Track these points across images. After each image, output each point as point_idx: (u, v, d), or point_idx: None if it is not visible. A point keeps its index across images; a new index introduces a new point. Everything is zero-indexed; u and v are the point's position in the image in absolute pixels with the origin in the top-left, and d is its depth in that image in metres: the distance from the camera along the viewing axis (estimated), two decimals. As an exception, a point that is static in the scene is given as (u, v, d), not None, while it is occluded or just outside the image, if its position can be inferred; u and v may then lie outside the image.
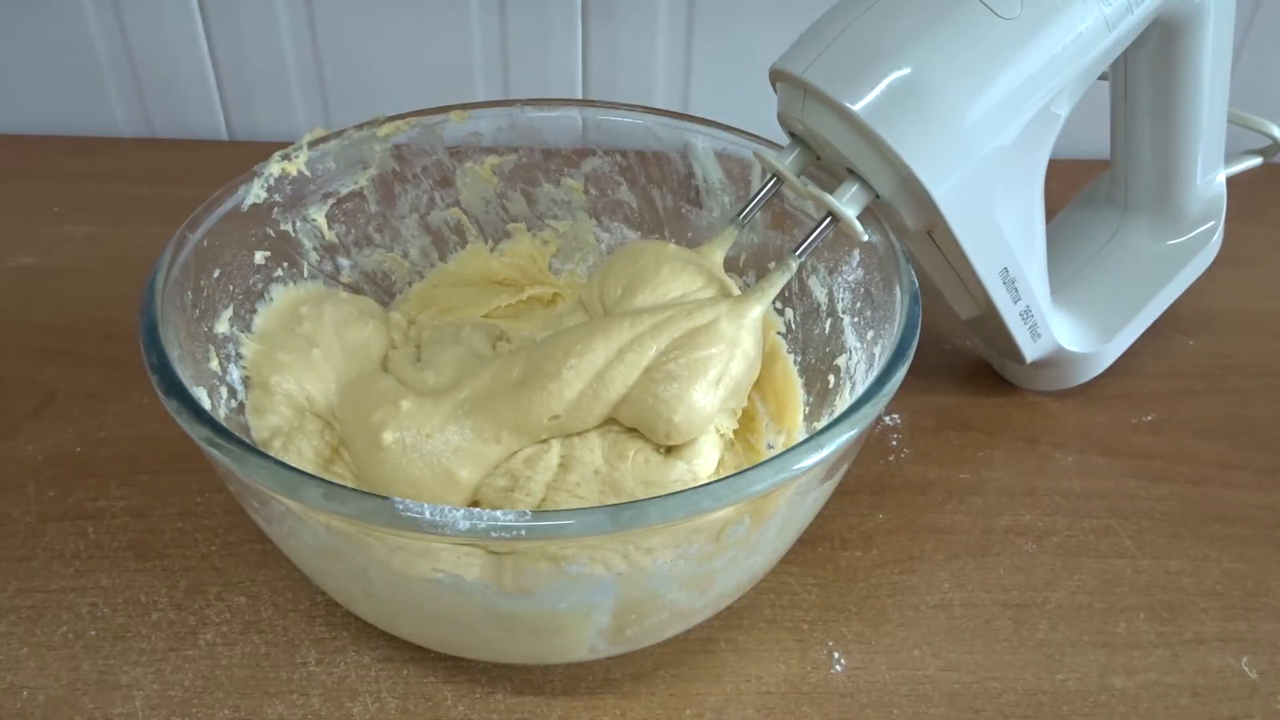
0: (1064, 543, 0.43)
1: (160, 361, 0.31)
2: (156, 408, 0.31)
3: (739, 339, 0.37)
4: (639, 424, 0.38)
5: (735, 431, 0.41)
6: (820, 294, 0.43)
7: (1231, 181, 0.50)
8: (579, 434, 0.38)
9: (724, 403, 0.38)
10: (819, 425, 0.41)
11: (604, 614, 0.32)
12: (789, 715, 0.36)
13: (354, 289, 0.45)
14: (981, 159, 0.36)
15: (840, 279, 0.42)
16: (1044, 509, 0.45)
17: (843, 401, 0.40)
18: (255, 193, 0.40)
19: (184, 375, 0.32)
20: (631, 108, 0.46)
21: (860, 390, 0.33)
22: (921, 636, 0.39)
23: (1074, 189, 0.55)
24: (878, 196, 0.37)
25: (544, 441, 0.38)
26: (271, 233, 0.42)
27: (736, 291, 0.40)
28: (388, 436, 0.36)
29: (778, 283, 0.38)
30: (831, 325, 0.42)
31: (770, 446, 0.42)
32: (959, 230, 0.37)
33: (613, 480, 0.37)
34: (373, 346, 0.41)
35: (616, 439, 0.38)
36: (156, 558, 0.41)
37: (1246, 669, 0.39)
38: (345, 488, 0.27)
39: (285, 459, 0.36)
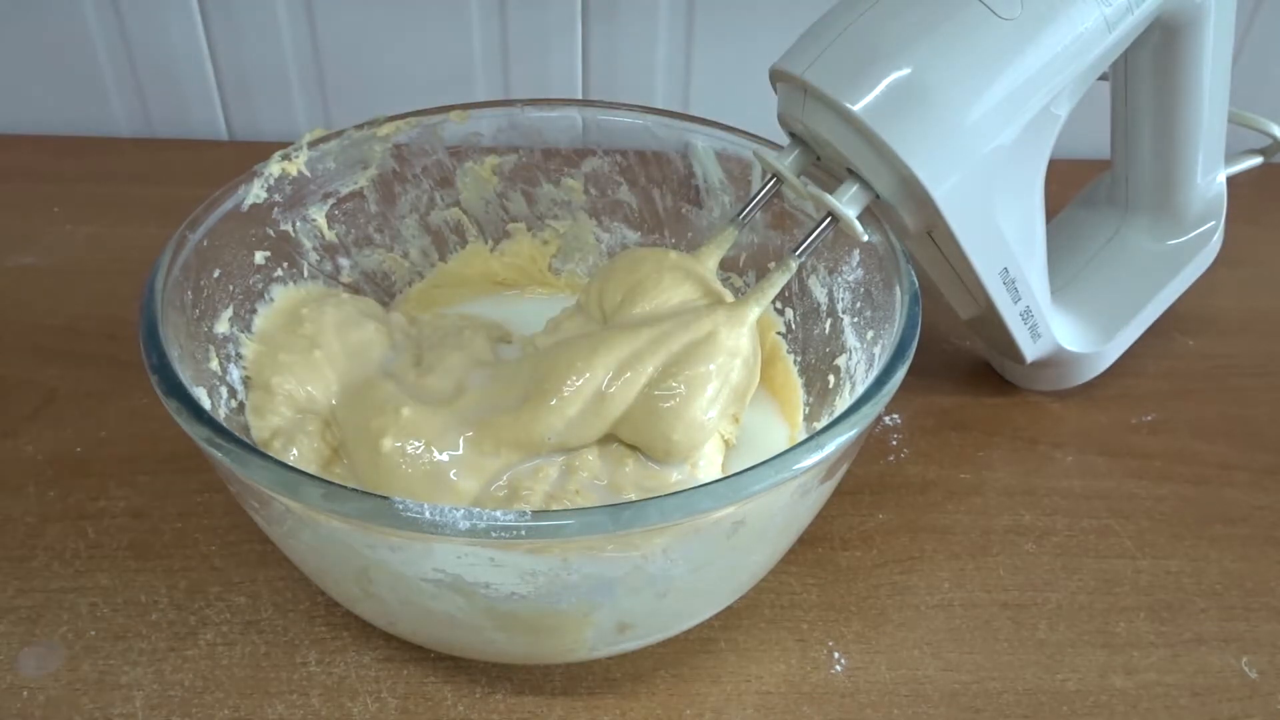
0: (1064, 543, 0.43)
1: (160, 361, 0.31)
2: (156, 408, 0.31)
3: (738, 347, 0.37)
4: (638, 442, 0.37)
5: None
6: (820, 294, 0.43)
7: (1232, 181, 0.50)
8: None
9: (724, 412, 0.38)
10: (819, 425, 0.41)
11: (604, 614, 0.32)
12: (789, 715, 0.36)
13: (354, 289, 0.45)
14: (981, 159, 0.36)
15: (840, 279, 0.42)
16: (1044, 509, 0.45)
17: (843, 401, 0.40)
18: (255, 193, 0.40)
19: (184, 375, 0.32)
20: (631, 108, 0.46)
21: (860, 390, 0.33)
22: (921, 636, 0.39)
23: (1074, 189, 0.55)
24: (878, 196, 0.36)
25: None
26: (271, 233, 0.42)
27: (730, 299, 0.39)
28: (387, 443, 0.36)
29: (777, 283, 0.38)
30: (831, 325, 0.42)
31: (770, 446, 0.42)
32: (959, 230, 0.37)
33: (613, 486, 0.37)
34: (374, 348, 0.41)
35: (617, 448, 0.38)
36: (156, 558, 0.41)
37: (1246, 669, 0.39)
38: (345, 488, 0.27)
39: (285, 459, 0.36)
